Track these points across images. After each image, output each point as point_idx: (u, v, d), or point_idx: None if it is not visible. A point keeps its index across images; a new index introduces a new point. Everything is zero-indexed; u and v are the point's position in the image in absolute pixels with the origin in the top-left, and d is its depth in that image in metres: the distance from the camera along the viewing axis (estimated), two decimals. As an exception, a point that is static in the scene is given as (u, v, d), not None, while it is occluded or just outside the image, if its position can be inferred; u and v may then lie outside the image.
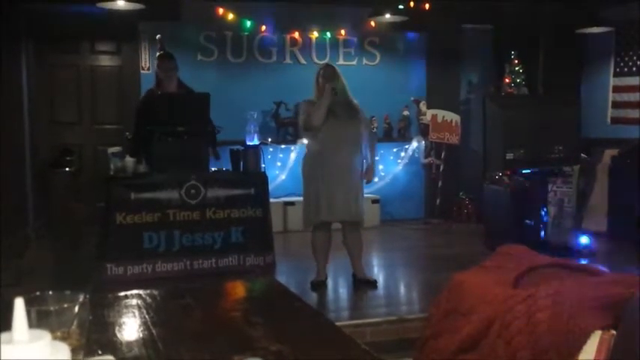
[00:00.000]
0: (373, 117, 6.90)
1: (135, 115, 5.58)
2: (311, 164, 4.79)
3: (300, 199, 7.09)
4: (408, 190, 7.81)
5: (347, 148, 4.66)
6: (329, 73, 4.76)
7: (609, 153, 6.90)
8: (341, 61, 7.42)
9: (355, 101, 4.82)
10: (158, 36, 6.18)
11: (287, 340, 1.41)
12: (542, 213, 5.76)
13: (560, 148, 5.74)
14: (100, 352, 1.30)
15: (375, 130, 7.07)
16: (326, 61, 7.51)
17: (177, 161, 5.14)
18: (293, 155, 7.32)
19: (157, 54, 5.84)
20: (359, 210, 4.72)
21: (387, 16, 7.02)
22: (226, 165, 5.60)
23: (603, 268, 3.48)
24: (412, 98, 7.71)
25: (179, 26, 6.87)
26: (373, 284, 4.85)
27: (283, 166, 7.32)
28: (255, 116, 5.74)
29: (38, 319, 0.94)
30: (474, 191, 7.32)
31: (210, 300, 1.89)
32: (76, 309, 1.01)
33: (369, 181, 4.97)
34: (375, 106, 6.83)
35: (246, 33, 7.33)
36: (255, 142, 5.51)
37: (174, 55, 5.63)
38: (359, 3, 7.26)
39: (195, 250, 5.13)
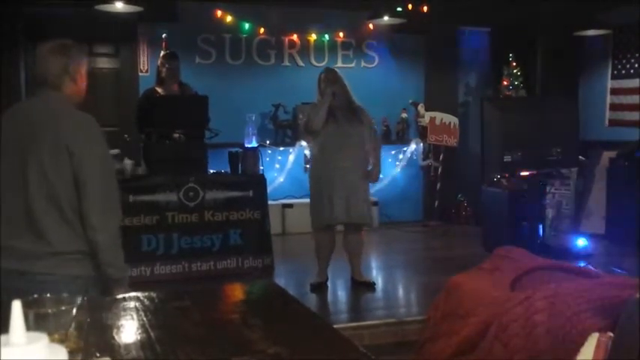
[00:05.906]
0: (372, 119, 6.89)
1: (137, 112, 5.55)
2: (314, 167, 4.82)
3: (298, 201, 7.22)
4: (407, 192, 7.81)
5: (348, 152, 4.66)
6: (329, 77, 4.79)
7: (607, 155, 6.91)
8: (339, 64, 7.42)
9: (358, 104, 4.83)
10: (164, 35, 6.19)
11: (285, 342, 1.41)
12: (540, 215, 5.76)
13: (558, 150, 5.75)
14: (98, 354, 1.30)
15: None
16: (324, 63, 7.53)
17: (175, 164, 5.14)
18: (291, 157, 7.33)
19: (162, 52, 5.85)
20: (361, 212, 4.72)
21: (386, 18, 7.02)
22: (225, 167, 5.60)
23: (601, 271, 3.49)
24: (410, 101, 7.72)
25: (177, 28, 6.87)
26: (371, 286, 4.86)
27: (281, 168, 7.31)
28: (254, 118, 5.75)
29: (36, 322, 0.94)
30: (472, 193, 7.32)
31: (208, 302, 1.89)
32: (74, 312, 1.02)
33: (374, 182, 4.97)
34: (373, 109, 6.74)
35: (244, 35, 7.33)
36: (254, 144, 5.52)
37: (178, 55, 5.64)
38: (357, 5, 7.27)
39: (193, 252, 5.13)
